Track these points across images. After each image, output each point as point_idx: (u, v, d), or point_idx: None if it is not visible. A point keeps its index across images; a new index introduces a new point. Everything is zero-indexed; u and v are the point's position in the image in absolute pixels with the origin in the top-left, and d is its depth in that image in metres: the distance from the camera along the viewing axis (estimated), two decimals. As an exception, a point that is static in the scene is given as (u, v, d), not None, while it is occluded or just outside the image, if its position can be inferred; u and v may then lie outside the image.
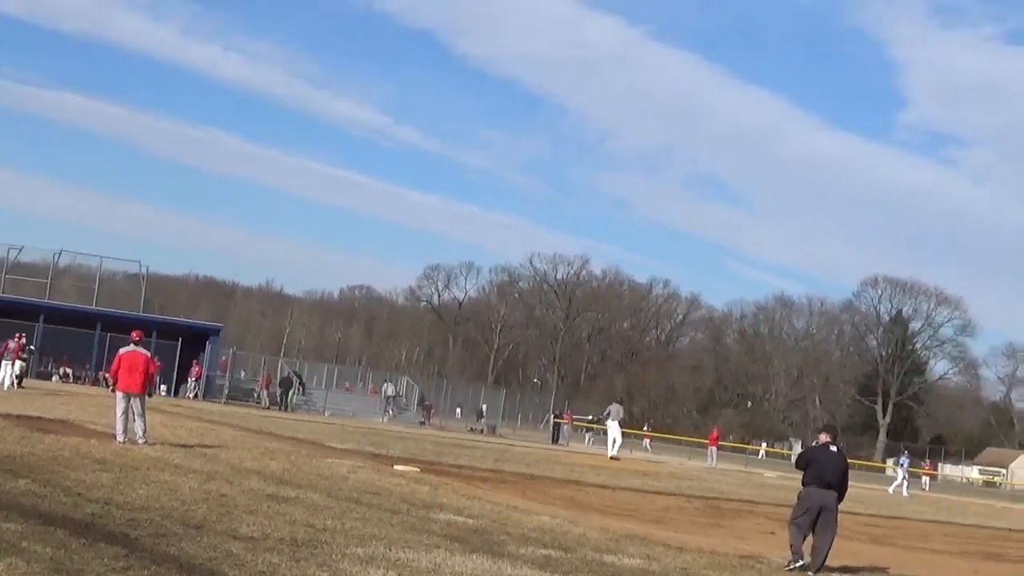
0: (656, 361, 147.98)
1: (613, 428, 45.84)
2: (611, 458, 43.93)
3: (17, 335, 43.13)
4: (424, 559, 11.57)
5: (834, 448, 15.52)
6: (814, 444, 15.91)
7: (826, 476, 15.10)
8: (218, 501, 14.18)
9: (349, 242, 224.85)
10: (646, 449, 73.47)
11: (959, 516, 37.21)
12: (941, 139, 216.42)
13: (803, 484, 15.28)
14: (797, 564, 14.67)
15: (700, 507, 25.78)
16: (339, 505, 15.46)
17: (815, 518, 14.99)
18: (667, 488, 31.03)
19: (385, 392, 71.76)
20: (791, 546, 14.95)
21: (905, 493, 51.63)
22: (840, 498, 15.29)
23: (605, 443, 49.17)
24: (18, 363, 42.56)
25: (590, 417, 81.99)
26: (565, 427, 71.15)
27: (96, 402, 32.64)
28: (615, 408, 47.18)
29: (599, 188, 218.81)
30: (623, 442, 46.67)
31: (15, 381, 41.34)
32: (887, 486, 62.29)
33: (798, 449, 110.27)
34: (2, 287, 62.89)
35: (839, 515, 15.33)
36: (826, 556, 14.94)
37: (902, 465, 55.39)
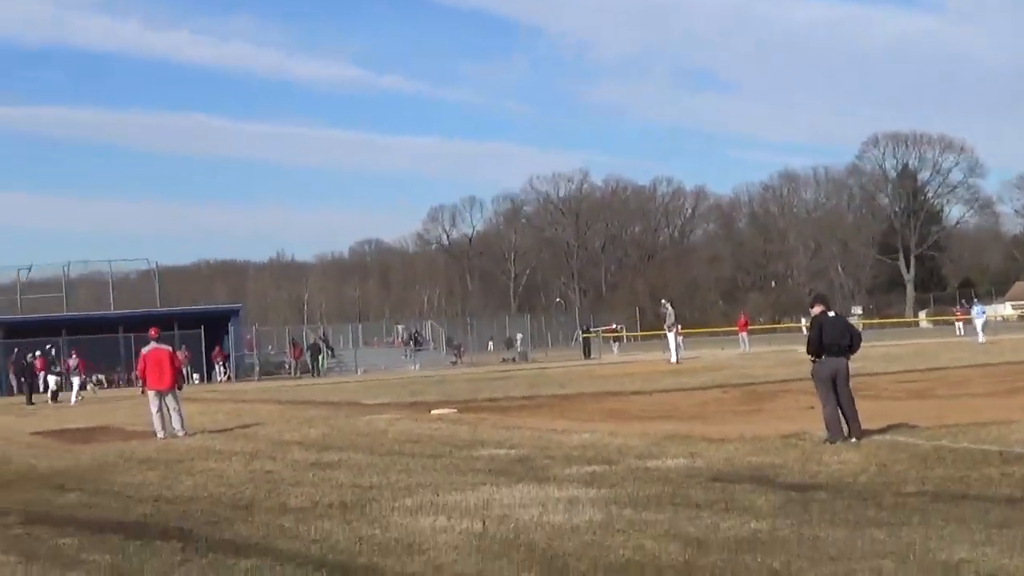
0: (673, 259, 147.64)
1: (670, 333, 46.37)
2: (676, 362, 44.36)
3: (73, 353, 43.58)
4: (472, 498, 11.75)
5: (832, 313, 15.82)
6: (814, 316, 16.07)
7: (836, 341, 15.50)
8: (264, 478, 14.38)
9: (352, 199, 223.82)
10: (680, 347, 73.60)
11: (996, 356, 37.26)
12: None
13: (816, 356, 15.51)
14: (837, 440, 14.85)
15: (738, 396, 25.91)
16: (382, 460, 15.65)
17: (832, 387, 15.27)
18: (703, 383, 31.19)
19: (402, 336, 72.32)
20: (828, 425, 15.19)
21: (981, 339, 51.76)
22: (853, 350, 15.74)
23: (634, 350, 49.56)
24: (52, 378, 43.04)
25: (615, 326, 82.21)
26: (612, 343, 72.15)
27: (132, 403, 32.80)
28: (669, 311, 47.48)
29: (588, 101, 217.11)
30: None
31: (51, 396, 41.74)
32: (920, 339, 62.66)
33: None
34: (20, 308, 63.24)
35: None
36: (857, 418, 15.21)
37: (978, 315, 55.96)
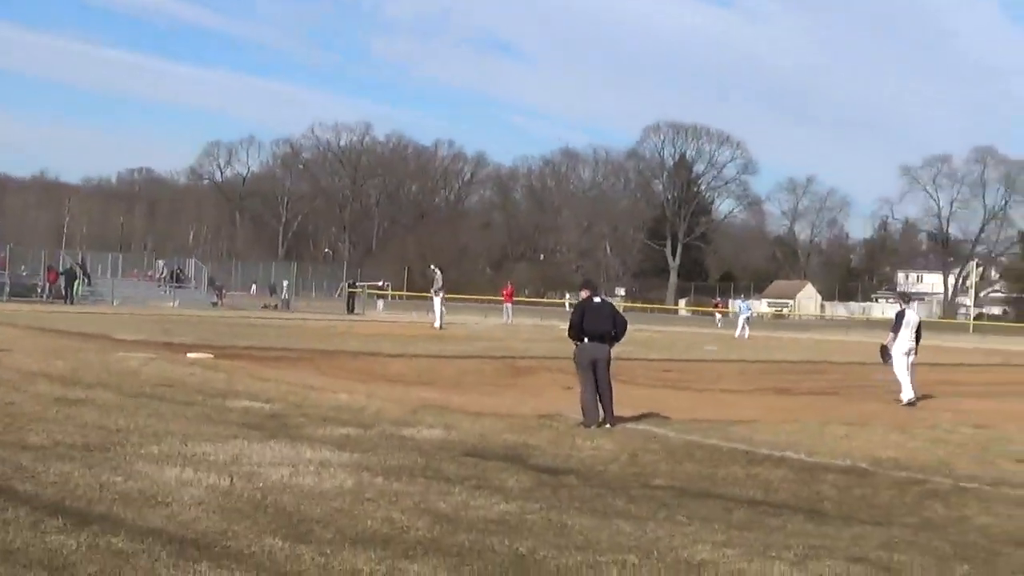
0: (446, 221, 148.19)
1: (436, 298, 46.33)
2: (440, 328, 44.32)
3: None
4: (222, 451, 11.47)
5: (598, 299, 15.98)
6: (580, 300, 16.25)
7: (598, 328, 15.58)
8: (3, 411, 13.78)
9: (126, 124, 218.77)
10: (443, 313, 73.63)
11: (751, 353, 38.35)
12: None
13: (577, 339, 15.66)
14: (592, 425, 15.01)
15: (497, 368, 26.05)
16: (132, 402, 15.19)
17: (592, 372, 15.44)
18: (464, 351, 31.31)
19: (162, 272, 71.18)
20: (584, 409, 15.34)
21: (741, 334, 52.43)
22: (618, 339, 15.86)
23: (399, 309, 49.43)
24: None
25: (381, 283, 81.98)
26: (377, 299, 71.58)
27: None
28: (438, 276, 47.52)
29: (379, 54, 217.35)
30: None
31: None
32: (680, 328, 64.05)
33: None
34: None
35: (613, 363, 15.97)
36: (612, 406, 15.39)
37: (741, 311, 56.59)
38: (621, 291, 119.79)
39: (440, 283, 47.23)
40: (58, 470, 10.00)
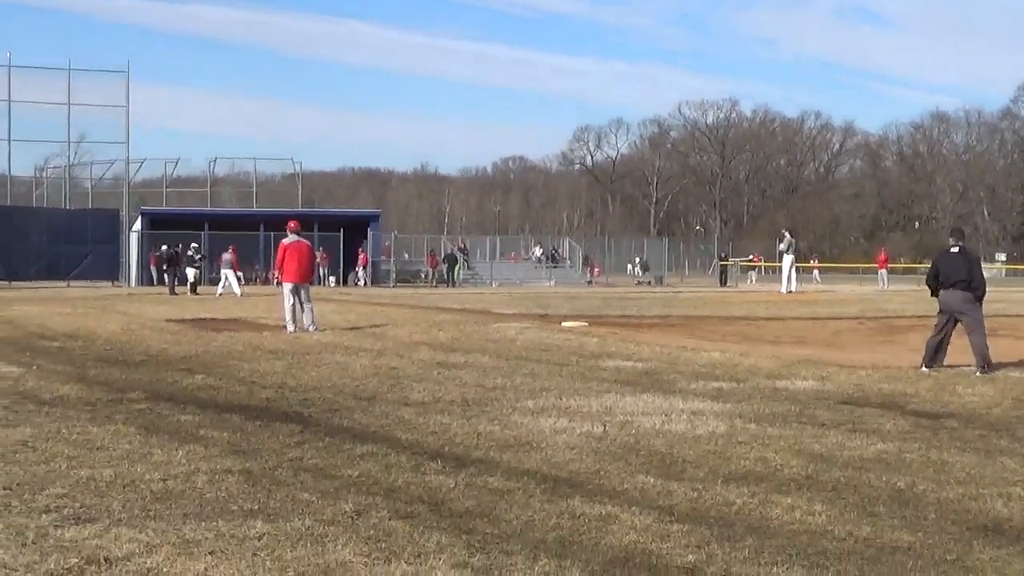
0: (817, 193, 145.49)
1: (787, 261, 45.75)
2: (788, 292, 43.90)
3: (231, 247, 44.69)
4: (595, 403, 11.66)
5: (955, 250, 15.44)
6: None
7: (950, 277, 15.27)
8: (388, 374, 14.42)
9: (498, 116, 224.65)
10: (816, 280, 72.46)
11: None
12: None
13: (934, 289, 15.69)
14: (922, 367, 15.02)
15: (873, 327, 25.39)
16: (508, 364, 15.61)
17: (948, 320, 15.29)
18: (839, 313, 30.75)
19: (534, 254, 72.84)
20: (925, 348, 15.40)
21: None
22: (976, 295, 15.27)
23: (772, 281, 49.07)
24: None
25: (752, 257, 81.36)
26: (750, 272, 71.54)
27: (266, 300, 33.33)
28: (788, 239, 46.95)
29: (743, 30, 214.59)
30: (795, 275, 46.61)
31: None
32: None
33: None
34: (165, 200, 64.54)
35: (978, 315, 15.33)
36: (985, 355, 14.93)
37: None
38: (1002, 256, 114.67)
39: (786, 245, 46.50)
40: (438, 422, 10.40)
